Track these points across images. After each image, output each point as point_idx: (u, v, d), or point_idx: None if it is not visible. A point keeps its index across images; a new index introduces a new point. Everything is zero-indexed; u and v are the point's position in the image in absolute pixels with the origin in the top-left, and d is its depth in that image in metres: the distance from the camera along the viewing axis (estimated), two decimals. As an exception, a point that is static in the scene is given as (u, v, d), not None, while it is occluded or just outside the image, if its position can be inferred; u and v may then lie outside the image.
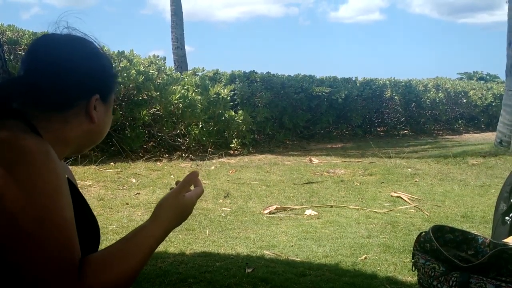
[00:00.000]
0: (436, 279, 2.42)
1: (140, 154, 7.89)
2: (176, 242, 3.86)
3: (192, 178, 1.02)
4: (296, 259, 3.48)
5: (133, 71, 7.97)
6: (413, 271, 2.64)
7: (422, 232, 2.65)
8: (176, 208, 0.99)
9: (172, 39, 14.13)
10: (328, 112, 12.08)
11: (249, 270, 3.16)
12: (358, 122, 12.72)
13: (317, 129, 12.17)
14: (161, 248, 3.71)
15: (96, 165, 6.92)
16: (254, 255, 3.56)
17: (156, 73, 8.59)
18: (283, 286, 2.94)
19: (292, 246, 3.78)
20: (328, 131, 12.64)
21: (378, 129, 13.93)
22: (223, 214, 4.72)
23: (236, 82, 10.71)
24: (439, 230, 2.65)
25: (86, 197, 5.35)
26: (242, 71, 11.53)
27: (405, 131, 13.88)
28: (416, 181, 6.36)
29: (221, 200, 5.27)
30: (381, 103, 13.40)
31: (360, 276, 3.13)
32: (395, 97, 13.35)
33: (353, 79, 13.27)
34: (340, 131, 12.88)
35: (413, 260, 2.64)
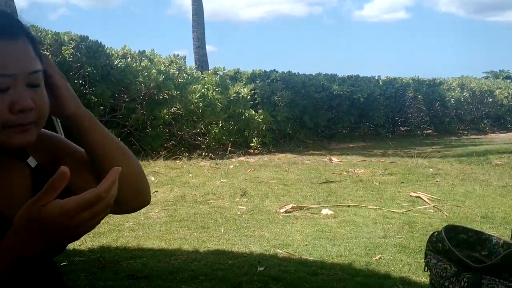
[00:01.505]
0: (448, 280, 2.37)
1: (161, 152, 7.95)
2: (191, 240, 3.88)
3: (60, 179, 0.71)
4: (309, 258, 3.46)
5: (154, 70, 8.04)
6: (426, 271, 2.60)
7: (434, 232, 2.60)
8: (23, 223, 0.74)
9: (193, 38, 14.22)
10: (349, 111, 11.98)
11: (261, 269, 3.15)
12: (381, 121, 12.59)
13: (339, 128, 12.09)
14: (175, 245, 3.74)
15: (117, 163, 7.01)
16: (267, 253, 3.55)
17: (177, 72, 8.66)
18: (294, 285, 2.92)
19: (306, 245, 3.76)
20: (349, 131, 12.54)
21: (401, 129, 13.76)
22: (238, 213, 4.72)
23: (257, 81, 10.71)
24: (452, 230, 2.60)
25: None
26: (263, 70, 11.53)
27: (429, 131, 13.67)
28: (437, 181, 6.25)
29: (237, 199, 5.28)
30: (404, 102, 13.23)
31: (373, 276, 3.09)
32: (419, 96, 13.16)
33: (376, 78, 13.15)
34: (362, 131, 12.76)
35: (425, 260, 2.60)
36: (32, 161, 1.00)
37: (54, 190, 0.71)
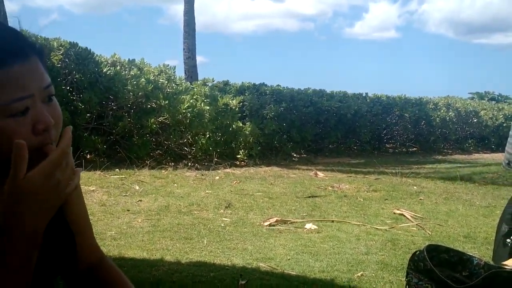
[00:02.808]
0: (428, 299, 2.39)
1: (146, 161, 7.92)
2: (173, 251, 3.85)
3: (22, 151, 0.76)
4: (292, 273, 3.45)
5: (143, 79, 8.03)
6: (406, 290, 2.62)
7: (416, 251, 2.63)
8: (19, 202, 0.78)
9: (184, 49, 14.25)
10: (337, 126, 12.07)
11: (243, 282, 3.13)
12: (367, 138, 12.68)
13: (326, 143, 12.16)
14: (157, 256, 3.71)
15: (101, 171, 6.96)
16: (249, 267, 3.54)
17: (166, 82, 8.66)
18: (276, 299, 2.91)
19: (289, 259, 3.75)
20: (336, 146, 12.61)
21: (387, 146, 13.87)
22: (222, 225, 4.70)
23: (246, 94, 10.75)
24: (434, 250, 2.63)
25: (88, 202, 5.38)
26: (252, 83, 11.59)
27: (414, 149, 13.80)
28: (420, 199, 6.30)
29: (222, 210, 5.26)
30: (390, 119, 13.36)
31: (355, 293, 3.10)
32: (405, 114, 13.29)
33: (364, 94, 13.26)
34: (348, 146, 12.84)
35: (406, 279, 2.62)
36: None
37: (23, 161, 0.76)
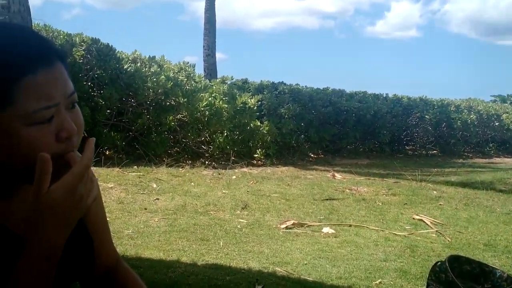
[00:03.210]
0: (449, 313, 2.33)
1: (164, 159, 7.93)
2: (189, 252, 3.84)
3: (46, 164, 0.77)
4: (309, 278, 3.42)
5: (163, 76, 8.05)
6: (426, 301, 2.56)
7: (438, 262, 2.57)
8: (40, 216, 0.78)
9: (203, 46, 14.26)
10: (355, 127, 11.96)
11: (259, 287, 3.11)
12: (386, 139, 12.54)
13: (344, 144, 12.05)
14: (173, 257, 3.71)
15: (120, 168, 6.99)
16: (266, 271, 3.51)
17: (185, 79, 8.67)
18: (292, 306, 2.88)
19: (306, 264, 3.71)
20: (354, 147, 12.51)
21: (407, 148, 13.70)
22: (239, 226, 4.68)
23: (264, 92, 10.71)
24: (456, 260, 2.56)
25: (106, 199, 5.39)
26: (271, 82, 11.54)
27: (434, 151, 13.61)
28: (440, 204, 6.20)
29: (238, 211, 5.24)
30: (410, 121, 13.19)
31: (372, 302, 3.05)
32: (426, 116, 13.11)
33: (384, 95, 13.13)
34: (367, 148, 12.72)
35: (427, 290, 2.56)
36: None
37: (47, 175, 0.77)
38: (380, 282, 3.40)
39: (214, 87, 9.26)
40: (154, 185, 6.19)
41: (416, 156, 12.84)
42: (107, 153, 7.88)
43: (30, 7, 7.11)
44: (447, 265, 2.41)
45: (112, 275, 1.10)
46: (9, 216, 0.87)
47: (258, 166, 8.87)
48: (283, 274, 3.47)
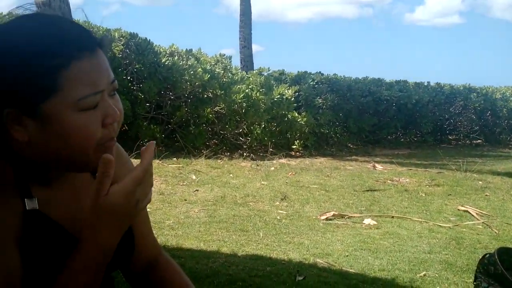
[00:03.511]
0: (500, 306, 2.23)
1: (203, 151, 7.98)
2: (229, 242, 3.84)
3: (109, 167, 0.78)
4: (350, 270, 3.35)
5: (200, 69, 8.07)
6: (475, 295, 2.46)
7: (486, 254, 2.46)
8: (96, 220, 0.80)
9: (239, 38, 14.25)
10: (396, 117, 11.72)
11: (300, 278, 3.07)
12: (428, 129, 12.24)
13: (384, 134, 11.83)
14: (213, 247, 3.71)
15: (160, 160, 7.07)
16: (306, 262, 3.46)
17: (222, 71, 8.67)
18: (334, 298, 2.83)
19: (347, 256, 3.64)
20: (395, 137, 12.27)
21: (450, 137, 13.33)
22: (278, 217, 4.65)
23: (302, 83, 10.60)
24: (506, 253, 2.45)
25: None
26: (308, 72, 11.41)
27: (479, 141, 13.18)
28: (486, 195, 5.98)
29: (277, 203, 5.21)
30: (454, 110, 12.80)
31: (417, 294, 2.96)
32: (470, 105, 12.70)
33: (425, 83, 12.78)
34: (408, 138, 12.45)
35: (475, 283, 2.46)
36: None
37: (108, 178, 0.78)
38: (424, 275, 3.30)
39: (251, 79, 9.23)
40: (194, 177, 6.24)
41: (460, 146, 12.46)
42: (147, 146, 7.98)
43: (70, 4, 7.27)
44: (496, 257, 2.30)
45: (153, 267, 1.10)
46: (48, 204, 0.87)
47: (296, 157, 8.81)
48: (324, 265, 3.42)
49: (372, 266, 3.44)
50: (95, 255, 0.82)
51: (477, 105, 12.73)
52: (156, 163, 6.91)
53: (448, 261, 3.60)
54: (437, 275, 3.31)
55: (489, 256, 2.40)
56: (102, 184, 0.78)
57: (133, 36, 7.77)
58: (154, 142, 0.86)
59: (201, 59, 8.64)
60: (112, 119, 0.83)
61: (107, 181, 0.78)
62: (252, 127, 8.84)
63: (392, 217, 4.86)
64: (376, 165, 8.14)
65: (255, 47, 14.65)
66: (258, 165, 7.45)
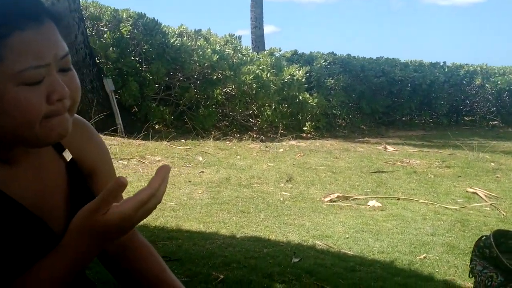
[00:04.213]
0: (493, 290, 2.17)
1: (212, 132, 7.95)
2: (229, 224, 3.81)
3: (119, 189, 0.75)
4: (349, 252, 3.31)
5: (209, 50, 8.01)
6: (470, 277, 2.40)
7: (482, 236, 2.39)
8: (84, 233, 0.77)
9: (251, 18, 14.10)
10: (410, 98, 11.52)
11: (296, 260, 3.04)
12: (444, 110, 12.03)
13: (398, 115, 11.67)
14: (213, 229, 3.70)
15: (168, 141, 7.07)
16: (305, 244, 3.42)
17: (232, 52, 8.59)
18: (329, 280, 2.78)
19: (347, 238, 3.60)
20: (410, 119, 12.09)
21: (466, 119, 13.09)
22: (281, 199, 4.61)
23: (314, 64, 10.46)
24: (503, 236, 2.37)
25: (153, 172, 5.45)
26: (321, 53, 11.25)
27: (495, 122, 12.91)
28: (497, 177, 5.85)
29: (282, 184, 5.16)
30: (470, 90, 12.53)
31: (415, 277, 2.90)
32: (486, 85, 12.40)
33: (441, 64, 12.51)
34: (423, 119, 12.25)
35: (470, 266, 2.40)
36: (67, 154, 0.95)
37: (113, 199, 0.75)
38: (424, 257, 3.24)
39: (262, 60, 9.13)
40: (200, 158, 6.22)
41: (476, 127, 12.22)
42: (156, 127, 8.00)
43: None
44: (492, 240, 2.23)
45: (127, 249, 1.07)
46: (8, 182, 0.84)
47: (307, 139, 8.73)
48: (322, 247, 3.38)
49: (372, 248, 3.39)
50: (72, 263, 0.80)
51: (494, 85, 12.43)
52: (164, 144, 6.92)
53: (450, 243, 3.53)
54: (437, 257, 3.25)
55: (485, 238, 2.33)
56: (105, 203, 0.75)
57: (141, 16, 7.73)
58: (170, 166, 0.82)
59: (211, 39, 8.58)
60: (59, 95, 0.79)
61: (109, 202, 0.75)
62: (262, 109, 8.78)
63: (398, 199, 4.78)
64: (387, 146, 8.03)
65: (270, 28, 14.61)
66: (267, 147, 7.40)
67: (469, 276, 2.39)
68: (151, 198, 0.76)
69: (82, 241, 0.78)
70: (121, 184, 0.74)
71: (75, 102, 0.84)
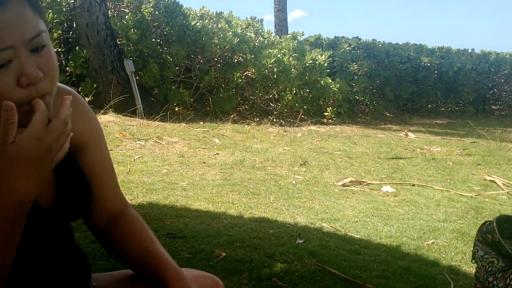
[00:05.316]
0: (492, 275, 2.12)
1: (231, 116, 7.96)
2: (238, 205, 3.83)
3: (11, 114, 0.75)
4: (355, 235, 3.28)
5: (230, 33, 7.98)
6: (472, 263, 2.35)
7: (486, 221, 2.33)
8: (11, 166, 0.77)
9: (274, 1, 13.94)
10: (436, 85, 11.29)
11: (300, 241, 3.03)
12: (470, 98, 11.75)
13: (423, 102, 11.46)
14: (221, 209, 3.71)
15: (186, 123, 7.11)
16: (312, 226, 3.41)
17: (253, 35, 8.54)
18: (331, 262, 2.76)
19: (356, 222, 3.56)
20: (435, 106, 11.86)
21: (493, 107, 12.77)
22: (294, 182, 4.60)
23: (337, 49, 10.33)
24: (507, 221, 2.31)
25: (169, 153, 5.47)
26: (346, 37, 11.09)
27: (525, 111, 12.57)
28: (519, 166, 5.70)
29: (296, 168, 5.14)
30: (498, 79, 12.19)
31: (419, 262, 2.86)
32: (516, 74, 12.06)
33: (469, 51, 12.19)
34: (448, 107, 12.01)
35: (473, 250, 2.35)
36: None
37: (12, 125, 0.75)
38: (432, 243, 3.19)
39: (283, 44, 9.06)
40: (217, 141, 6.24)
41: (503, 116, 11.92)
42: (175, 109, 8.05)
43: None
44: (495, 225, 2.17)
45: (116, 221, 1.08)
46: None
47: (328, 124, 8.66)
48: (329, 230, 3.36)
49: (380, 232, 3.35)
50: (9, 202, 0.79)
51: (524, 73, 12.08)
52: (182, 126, 6.96)
53: (461, 230, 3.46)
54: (446, 243, 3.19)
55: (488, 223, 2.27)
56: (7, 132, 0.75)
57: (162, -2, 7.74)
58: (70, 97, 0.82)
59: (232, 22, 8.54)
60: (27, 79, 0.78)
61: (11, 128, 0.75)
62: (283, 93, 8.73)
63: (413, 185, 4.71)
64: (409, 133, 7.91)
65: (298, 13, 14.37)
66: (285, 131, 7.37)
67: (471, 261, 2.34)
68: (46, 116, 0.78)
69: (14, 177, 0.77)
70: (8, 107, 0.74)
71: (53, 82, 0.83)
